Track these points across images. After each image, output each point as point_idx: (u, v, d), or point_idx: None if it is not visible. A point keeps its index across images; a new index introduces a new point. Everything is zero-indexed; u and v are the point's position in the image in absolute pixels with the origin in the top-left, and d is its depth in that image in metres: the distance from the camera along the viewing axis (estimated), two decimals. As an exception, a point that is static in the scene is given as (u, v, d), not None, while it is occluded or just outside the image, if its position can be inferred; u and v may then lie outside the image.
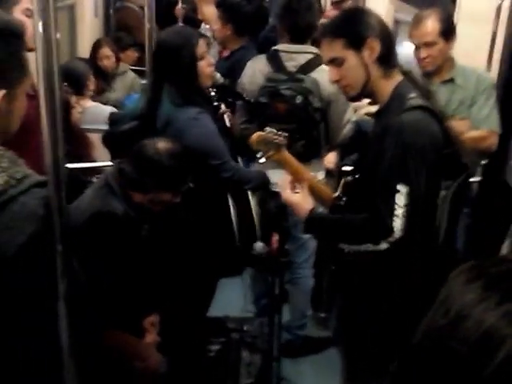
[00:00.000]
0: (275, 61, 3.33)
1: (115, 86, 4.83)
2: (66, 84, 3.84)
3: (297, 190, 2.41)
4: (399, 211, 2.01)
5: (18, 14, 2.70)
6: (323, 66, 3.27)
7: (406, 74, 2.25)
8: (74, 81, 3.94)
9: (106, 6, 5.71)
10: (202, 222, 3.03)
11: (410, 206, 2.01)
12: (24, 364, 1.43)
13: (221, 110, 3.40)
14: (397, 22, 5.04)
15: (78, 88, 4.00)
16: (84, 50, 5.09)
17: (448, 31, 3.21)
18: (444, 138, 2.10)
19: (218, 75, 3.43)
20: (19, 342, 1.40)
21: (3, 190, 1.32)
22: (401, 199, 2.00)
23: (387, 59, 2.18)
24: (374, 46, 2.14)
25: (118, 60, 4.87)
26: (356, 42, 2.14)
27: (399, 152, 2.02)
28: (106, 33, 5.62)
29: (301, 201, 2.36)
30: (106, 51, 4.77)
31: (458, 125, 2.93)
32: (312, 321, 3.96)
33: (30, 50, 2.76)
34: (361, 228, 2.20)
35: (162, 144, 2.54)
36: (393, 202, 2.01)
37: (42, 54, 1.39)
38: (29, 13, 2.71)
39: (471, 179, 3.18)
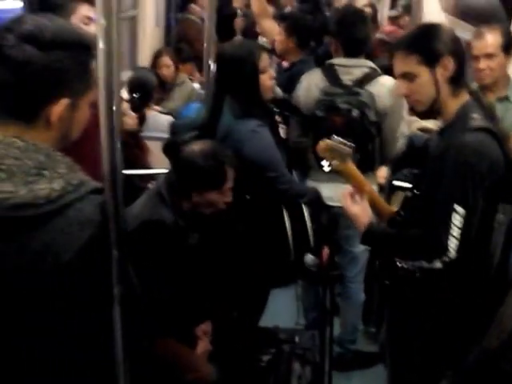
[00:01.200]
0: (331, 74, 3.36)
1: (174, 96, 4.91)
2: (136, 94, 3.98)
3: (357, 202, 2.40)
4: (455, 231, 2.01)
5: (76, 22, 2.73)
6: (379, 80, 3.32)
7: (473, 93, 2.25)
8: (143, 90, 4.08)
9: (168, 17, 5.82)
10: (257, 233, 3.06)
11: (466, 228, 2.01)
12: (75, 366, 1.45)
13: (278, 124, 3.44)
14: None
15: (147, 97, 4.12)
16: (144, 59, 5.20)
17: (508, 46, 3.20)
18: (505, 161, 2.09)
19: (278, 89, 3.47)
20: (74, 345, 1.43)
21: (60, 195, 1.35)
22: (457, 219, 2.00)
23: (458, 78, 2.18)
24: (447, 65, 2.14)
25: (177, 70, 4.94)
26: (431, 59, 2.14)
27: (459, 172, 2.03)
28: (166, 43, 5.73)
29: (360, 212, 2.36)
30: (166, 60, 4.87)
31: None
32: (363, 335, 3.95)
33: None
34: (416, 244, 2.21)
35: (195, 146, 2.58)
36: (449, 221, 2.01)
37: (103, 64, 1.41)
38: (86, 21, 2.78)
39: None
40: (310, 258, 2.88)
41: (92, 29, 2.83)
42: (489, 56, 3.17)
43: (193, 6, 5.43)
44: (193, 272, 2.64)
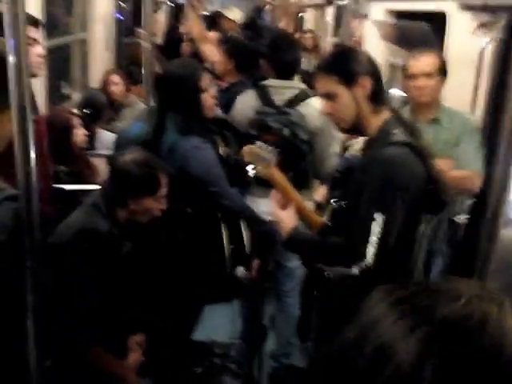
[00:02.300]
0: (263, 95, 3.50)
1: (124, 116, 4.98)
2: (87, 111, 4.07)
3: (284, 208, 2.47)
4: (373, 239, 2.08)
5: None
6: (309, 101, 3.44)
7: (395, 111, 2.36)
8: (93, 107, 4.25)
9: (118, 41, 5.92)
10: (194, 246, 3.14)
11: (384, 235, 2.08)
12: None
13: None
14: (392, 66, 5.19)
15: (97, 114, 4.25)
16: (95, 81, 5.28)
17: (444, 69, 3.34)
18: (426, 174, 2.16)
19: (219, 110, 3.59)
20: None
21: None
22: (376, 227, 2.08)
23: (377, 96, 2.27)
24: (365, 84, 2.24)
25: (127, 89, 5.04)
26: (348, 79, 2.24)
27: (379, 183, 2.11)
28: (118, 66, 5.82)
29: (285, 218, 2.44)
30: (115, 78, 4.98)
31: (441, 164, 3.02)
32: (299, 351, 3.96)
33: (33, 75, 2.93)
34: (335, 250, 2.29)
35: (128, 156, 2.68)
36: (368, 229, 2.08)
37: (14, 79, 1.50)
38: (31, 42, 2.86)
39: (457, 218, 3.27)
40: (240, 270, 2.96)
41: (38, 50, 2.93)
42: (427, 75, 3.28)
43: (139, 30, 5.54)
44: (125, 281, 2.69)
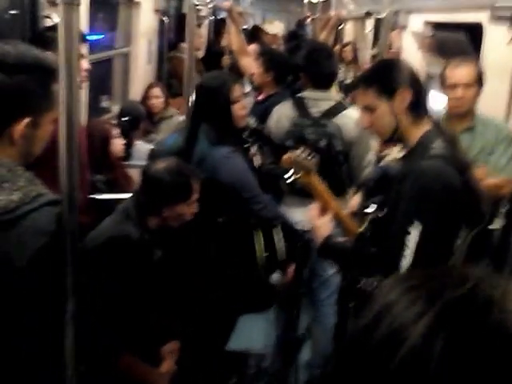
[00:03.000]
0: (300, 107, 3.57)
1: (162, 128, 5.08)
2: (125, 120, 4.19)
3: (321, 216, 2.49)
4: (408, 252, 2.06)
5: None
6: (345, 112, 3.49)
7: (436, 123, 2.33)
8: (131, 119, 4.37)
9: (160, 55, 6.06)
10: (226, 255, 3.19)
11: (419, 248, 2.05)
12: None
13: (251, 152, 3.61)
14: (429, 76, 5.19)
15: (134, 125, 4.37)
16: (136, 94, 5.40)
17: (481, 78, 3.34)
18: (464, 187, 2.13)
19: (252, 120, 3.65)
20: (26, 345, 1.53)
21: (16, 206, 1.46)
22: (411, 241, 2.05)
23: (417, 108, 2.26)
24: (404, 96, 2.22)
25: (166, 103, 5.14)
26: (388, 91, 2.24)
27: (415, 195, 2.09)
28: (158, 79, 5.95)
29: (321, 226, 2.45)
30: (156, 91, 5.08)
31: (476, 172, 3.02)
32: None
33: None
34: (369, 260, 2.29)
35: (160, 165, 2.73)
36: (403, 241, 2.06)
37: (64, 86, 1.55)
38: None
39: (490, 227, 3.25)
40: (275, 276, 2.98)
41: (83, 64, 3.03)
42: (466, 85, 3.27)
43: (182, 44, 5.65)
44: (157, 288, 2.72)
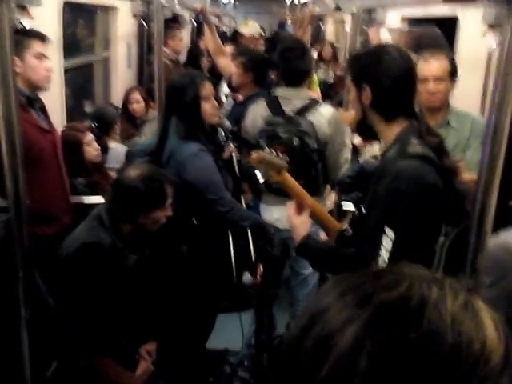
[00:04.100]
0: (274, 105, 3.53)
1: (144, 131, 5.07)
2: (95, 124, 4.20)
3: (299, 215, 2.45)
4: (383, 253, 2.01)
5: (29, 57, 2.98)
6: (319, 109, 3.47)
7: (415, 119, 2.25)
8: (102, 122, 4.36)
9: (140, 59, 6.06)
10: (202, 255, 3.19)
11: (394, 249, 1.99)
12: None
13: (229, 148, 3.64)
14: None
15: (106, 129, 4.36)
16: (117, 98, 5.40)
17: (454, 72, 3.31)
18: (445, 185, 2.07)
19: (227, 122, 3.66)
20: None
21: None
22: (387, 242, 2.00)
23: (384, 108, 2.18)
24: (366, 93, 2.17)
25: (147, 106, 5.14)
26: (355, 83, 2.22)
27: (390, 197, 2.03)
28: (139, 83, 5.94)
29: (299, 224, 2.42)
30: (136, 96, 5.09)
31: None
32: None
33: (42, 89, 3.04)
34: (345, 262, 2.25)
35: (132, 171, 2.71)
36: (379, 243, 2.01)
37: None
38: (39, 56, 3.02)
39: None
40: (247, 277, 2.97)
41: (45, 64, 3.06)
42: (439, 79, 3.25)
43: (163, 48, 5.66)
44: (133, 292, 2.73)
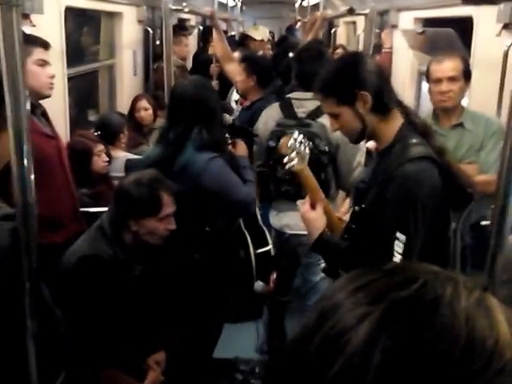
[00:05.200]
0: (287, 108, 3.49)
1: (152, 140, 4.98)
2: (98, 133, 4.09)
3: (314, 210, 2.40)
4: (397, 257, 2.05)
5: (30, 64, 2.90)
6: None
7: (406, 114, 2.28)
8: (107, 131, 4.23)
9: (146, 66, 5.97)
10: (215, 264, 3.10)
11: (407, 253, 2.04)
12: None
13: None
14: (421, 74, 5.10)
15: (111, 138, 4.23)
16: (123, 105, 5.31)
17: (468, 73, 3.26)
18: (444, 173, 2.13)
19: (228, 116, 3.62)
20: None
21: None
22: (399, 246, 2.05)
23: (382, 105, 2.20)
24: (364, 99, 2.16)
25: (155, 114, 5.05)
26: (346, 101, 2.18)
27: (400, 202, 2.08)
28: (145, 90, 5.87)
29: (315, 219, 2.37)
30: (144, 103, 4.99)
31: (466, 169, 2.92)
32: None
33: (44, 97, 2.97)
34: (362, 261, 2.16)
35: (132, 176, 2.66)
36: (392, 248, 2.05)
37: (9, 99, 1.50)
38: (41, 63, 2.96)
39: (483, 223, 3.14)
40: (258, 284, 2.89)
41: (47, 71, 2.98)
42: (452, 79, 3.22)
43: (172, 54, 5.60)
44: (139, 302, 2.67)
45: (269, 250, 3.23)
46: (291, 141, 2.38)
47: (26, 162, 1.58)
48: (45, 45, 3.01)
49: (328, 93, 2.22)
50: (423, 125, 2.31)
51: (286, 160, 2.41)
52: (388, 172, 2.15)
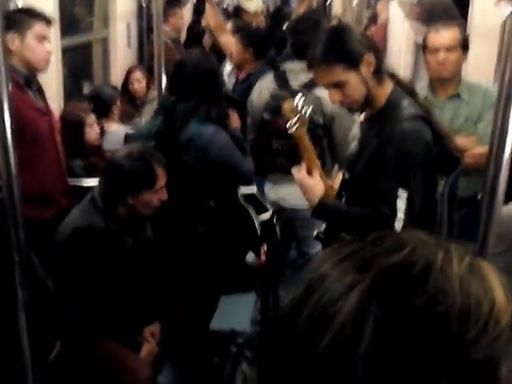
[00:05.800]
0: (281, 79, 3.44)
1: (145, 112, 4.94)
2: (91, 106, 4.06)
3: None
4: (400, 212, 2.12)
5: (30, 38, 2.88)
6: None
7: (396, 80, 2.32)
8: (99, 104, 4.17)
9: (140, 38, 5.92)
10: (218, 237, 3.11)
11: (410, 207, 2.12)
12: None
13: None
14: (418, 46, 5.06)
15: (103, 110, 4.20)
16: (117, 78, 5.28)
17: (465, 43, 3.21)
18: (434, 136, 2.19)
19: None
20: None
21: None
22: (402, 202, 2.12)
23: (380, 68, 2.25)
24: (369, 61, 2.20)
25: (148, 86, 5.02)
26: (354, 63, 2.19)
27: (400, 159, 2.15)
28: (139, 62, 5.82)
29: (313, 184, 2.37)
30: (137, 75, 4.98)
31: (463, 141, 2.90)
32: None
33: (40, 71, 2.94)
34: (366, 221, 2.25)
35: (122, 151, 2.66)
36: (395, 205, 2.12)
37: None
38: (41, 38, 2.92)
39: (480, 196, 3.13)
40: (250, 255, 2.89)
41: (46, 47, 2.94)
42: (449, 49, 3.15)
43: (164, 27, 5.53)
44: (132, 274, 2.68)
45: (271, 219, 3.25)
46: (294, 104, 2.38)
47: (8, 131, 1.57)
48: (47, 20, 2.97)
49: (334, 59, 2.21)
50: (409, 86, 2.39)
51: (288, 125, 2.39)
52: (385, 132, 2.20)
